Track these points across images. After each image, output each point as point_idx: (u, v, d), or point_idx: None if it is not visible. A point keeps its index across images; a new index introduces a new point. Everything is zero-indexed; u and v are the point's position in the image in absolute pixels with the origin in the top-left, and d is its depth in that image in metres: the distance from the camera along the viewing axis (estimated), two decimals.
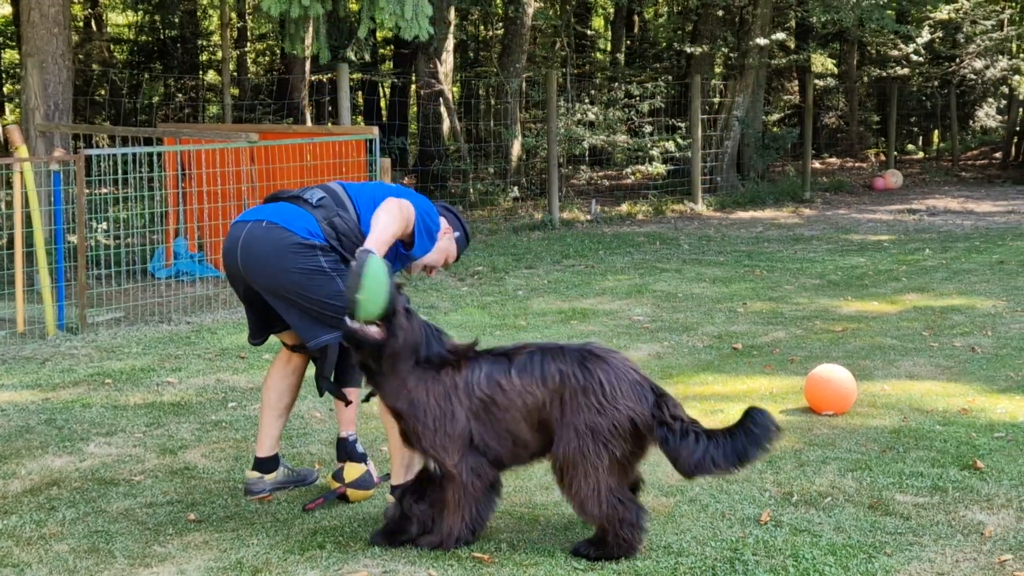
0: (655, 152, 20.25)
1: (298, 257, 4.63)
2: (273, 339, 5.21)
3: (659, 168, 20.29)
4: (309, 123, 21.13)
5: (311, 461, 5.62)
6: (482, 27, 30.09)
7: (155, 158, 11.21)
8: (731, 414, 6.36)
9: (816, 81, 28.08)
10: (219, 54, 22.84)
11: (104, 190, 11.58)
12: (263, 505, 4.99)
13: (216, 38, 26.40)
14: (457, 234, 5.10)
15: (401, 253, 4.85)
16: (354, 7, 15.84)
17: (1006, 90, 32.91)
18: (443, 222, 5.03)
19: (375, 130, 11.22)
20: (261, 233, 4.73)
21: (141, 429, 6.24)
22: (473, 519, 4.38)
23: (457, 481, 4.34)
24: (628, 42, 31.85)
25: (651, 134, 20.60)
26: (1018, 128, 28.80)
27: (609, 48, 32.88)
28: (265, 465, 5.13)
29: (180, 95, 26.27)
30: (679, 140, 20.22)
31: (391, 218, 4.57)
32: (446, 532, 4.39)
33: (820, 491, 5.05)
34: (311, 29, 13.97)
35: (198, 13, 28.06)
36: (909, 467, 5.35)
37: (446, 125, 20.73)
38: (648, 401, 4.32)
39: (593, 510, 4.27)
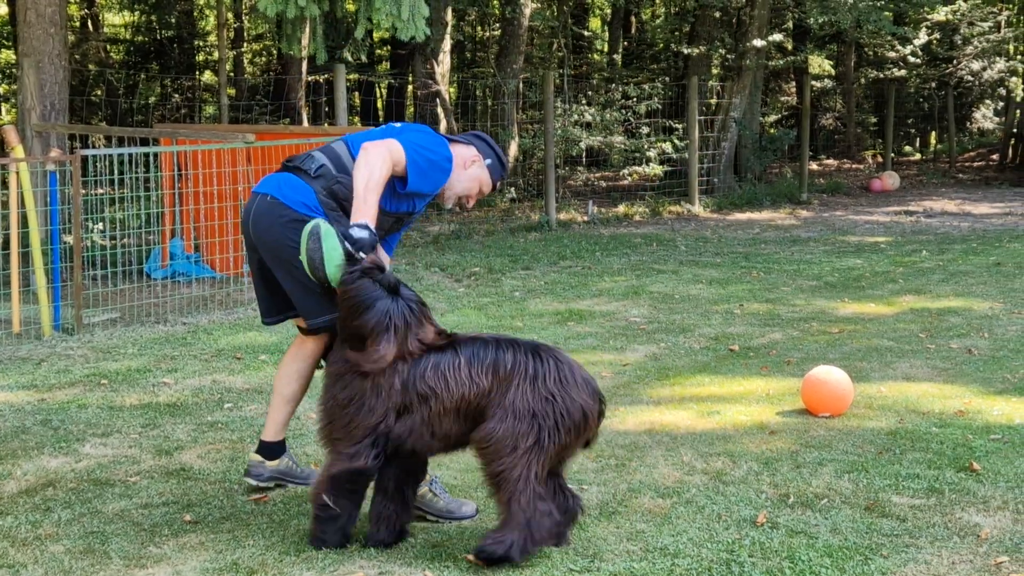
0: (652, 153, 20.25)
1: (294, 234, 4.59)
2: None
3: (656, 169, 20.30)
4: (306, 123, 21.14)
5: (307, 462, 5.61)
6: (479, 28, 30.12)
7: (151, 159, 11.21)
8: (727, 415, 6.37)
9: (813, 83, 28.14)
10: (216, 54, 22.84)
11: (100, 190, 11.57)
12: (259, 506, 4.98)
13: (213, 38, 26.40)
14: (488, 161, 4.94)
15: (399, 192, 4.75)
16: (351, 7, 15.85)
17: (1003, 92, 33.01)
18: (472, 150, 4.92)
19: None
20: (265, 208, 4.71)
21: (137, 430, 6.23)
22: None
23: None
24: (625, 43, 31.92)
25: (648, 135, 20.61)
26: (1015, 130, 28.84)
27: (606, 49, 32.91)
28: (269, 450, 5.11)
29: (177, 95, 26.28)
30: (676, 141, 20.22)
31: (367, 173, 4.49)
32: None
33: (817, 493, 5.05)
34: (308, 29, 13.98)
35: (195, 13, 28.08)
36: (905, 469, 5.35)
37: (443, 126, 20.74)
38: (597, 398, 4.35)
39: (514, 498, 4.21)
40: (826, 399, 6.35)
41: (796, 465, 5.44)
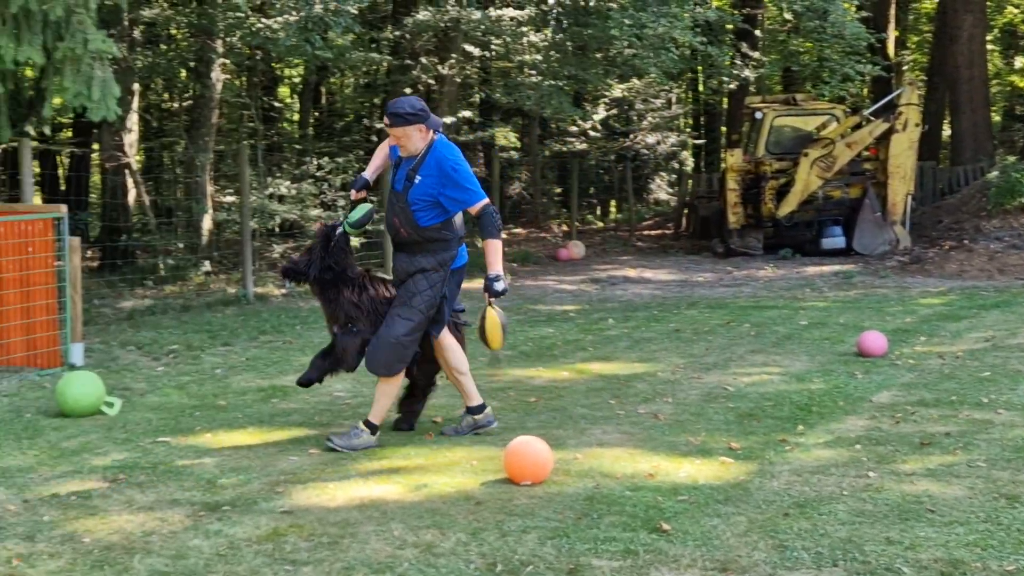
0: None
1: None
2: None
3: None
4: None
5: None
6: (167, 95, 29.60)
7: None
8: (435, 487, 6.56)
9: (500, 154, 29.08)
10: None
11: None
12: None
13: None
14: None
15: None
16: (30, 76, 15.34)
17: (676, 164, 35.09)
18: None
19: (63, 208, 10.93)
20: None
21: None
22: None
23: None
24: (316, 113, 32.06)
25: (344, 207, 20.79)
26: (687, 199, 30.65)
27: (297, 119, 32.94)
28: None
29: None
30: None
31: None
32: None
33: (522, 560, 5.29)
34: None
35: None
36: (603, 532, 5.67)
37: (131, 196, 20.26)
38: None
39: None
40: (527, 468, 6.64)
41: (502, 534, 5.68)
